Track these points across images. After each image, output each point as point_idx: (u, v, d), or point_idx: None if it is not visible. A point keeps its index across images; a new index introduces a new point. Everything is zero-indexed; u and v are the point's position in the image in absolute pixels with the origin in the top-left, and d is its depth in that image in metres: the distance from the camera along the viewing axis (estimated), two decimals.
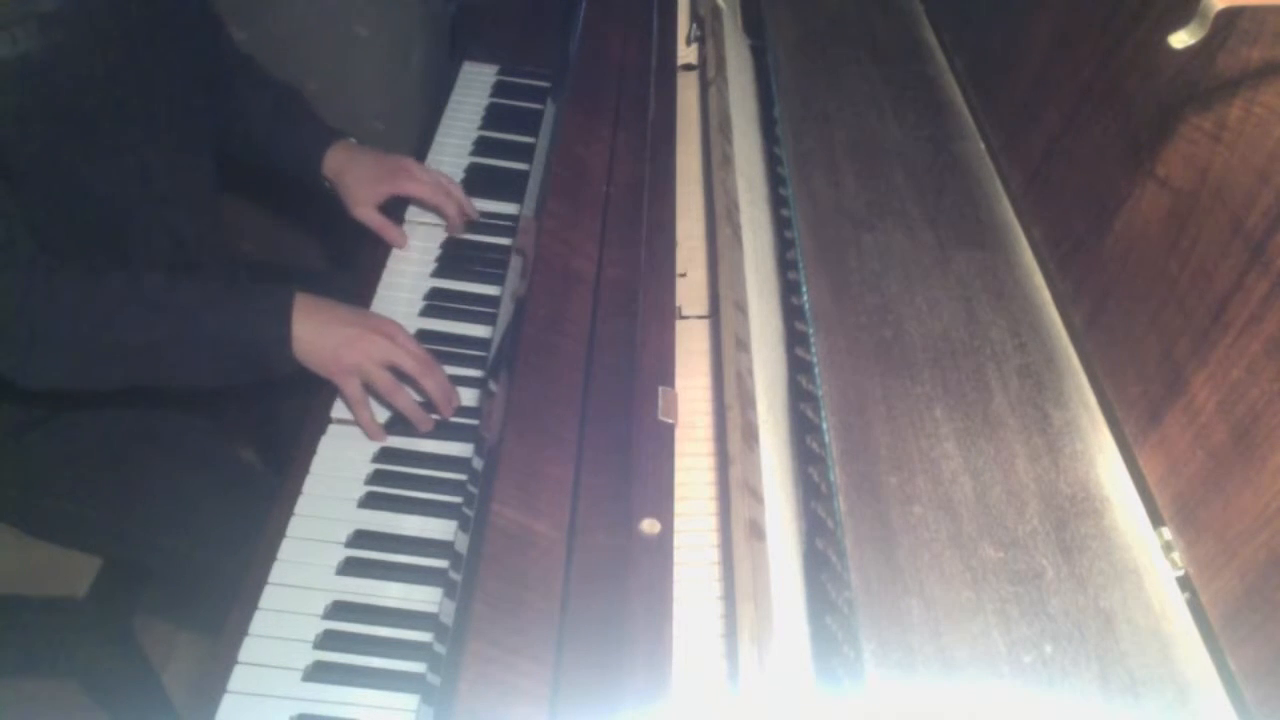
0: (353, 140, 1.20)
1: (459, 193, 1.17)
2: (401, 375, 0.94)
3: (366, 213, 1.15)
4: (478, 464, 0.81)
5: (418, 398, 0.96)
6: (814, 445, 0.68)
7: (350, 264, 1.62)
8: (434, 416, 0.96)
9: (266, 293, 0.94)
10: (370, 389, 0.94)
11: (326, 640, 0.80)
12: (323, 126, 1.21)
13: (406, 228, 1.17)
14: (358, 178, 1.16)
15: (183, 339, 0.91)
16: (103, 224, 1.00)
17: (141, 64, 0.99)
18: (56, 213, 0.95)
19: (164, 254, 1.07)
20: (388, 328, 0.95)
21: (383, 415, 0.97)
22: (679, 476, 0.71)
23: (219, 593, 0.98)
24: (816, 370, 0.70)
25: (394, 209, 1.18)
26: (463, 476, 0.91)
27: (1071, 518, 0.61)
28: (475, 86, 1.38)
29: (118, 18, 0.95)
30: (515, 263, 0.96)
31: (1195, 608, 0.58)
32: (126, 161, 0.99)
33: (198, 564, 1.09)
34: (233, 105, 1.18)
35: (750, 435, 0.66)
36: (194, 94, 1.08)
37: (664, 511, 0.67)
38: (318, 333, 0.92)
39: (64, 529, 1.09)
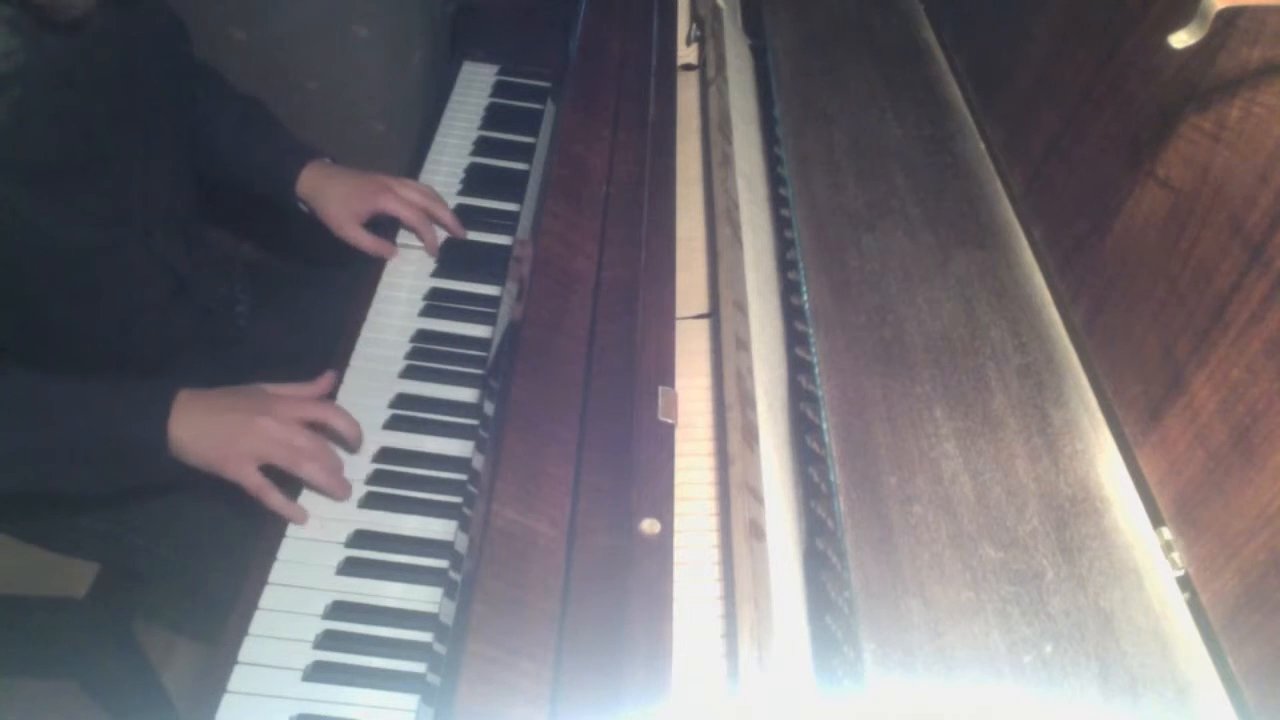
0: (327, 159, 1.17)
1: (442, 212, 1.15)
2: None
3: (353, 232, 1.12)
4: (478, 464, 0.81)
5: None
6: (814, 445, 0.68)
7: (351, 265, 1.62)
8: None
9: (145, 392, 0.88)
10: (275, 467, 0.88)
11: (326, 640, 0.80)
12: (296, 144, 1.17)
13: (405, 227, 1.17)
14: (336, 197, 1.13)
15: (51, 442, 0.85)
16: (89, 268, 0.97)
17: (117, 101, 0.95)
18: (34, 267, 0.92)
19: (156, 283, 1.05)
20: (274, 407, 0.88)
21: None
22: (679, 476, 0.71)
23: (218, 595, 0.98)
24: (816, 370, 0.70)
25: (390, 220, 1.17)
26: (463, 476, 0.91)
27: (1071, 518, 0.61)
28: (475, 86, 1.38)
29: (87, 59, 0.91)
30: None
31: (1195, 608, 0.58)
32: (106, 204, 0.96)
33: (194, 568, 1.09)
34: (197, 117, 1.14)
35: (750, 435, 0.66)
36: (169, 116, 1.05)
37: (664, 511, 0.67)
38: (198, 431, 0.86)
39: (59, 537, 1.09)
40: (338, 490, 0.89)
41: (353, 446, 0.92)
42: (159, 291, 1.05)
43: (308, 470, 0.88)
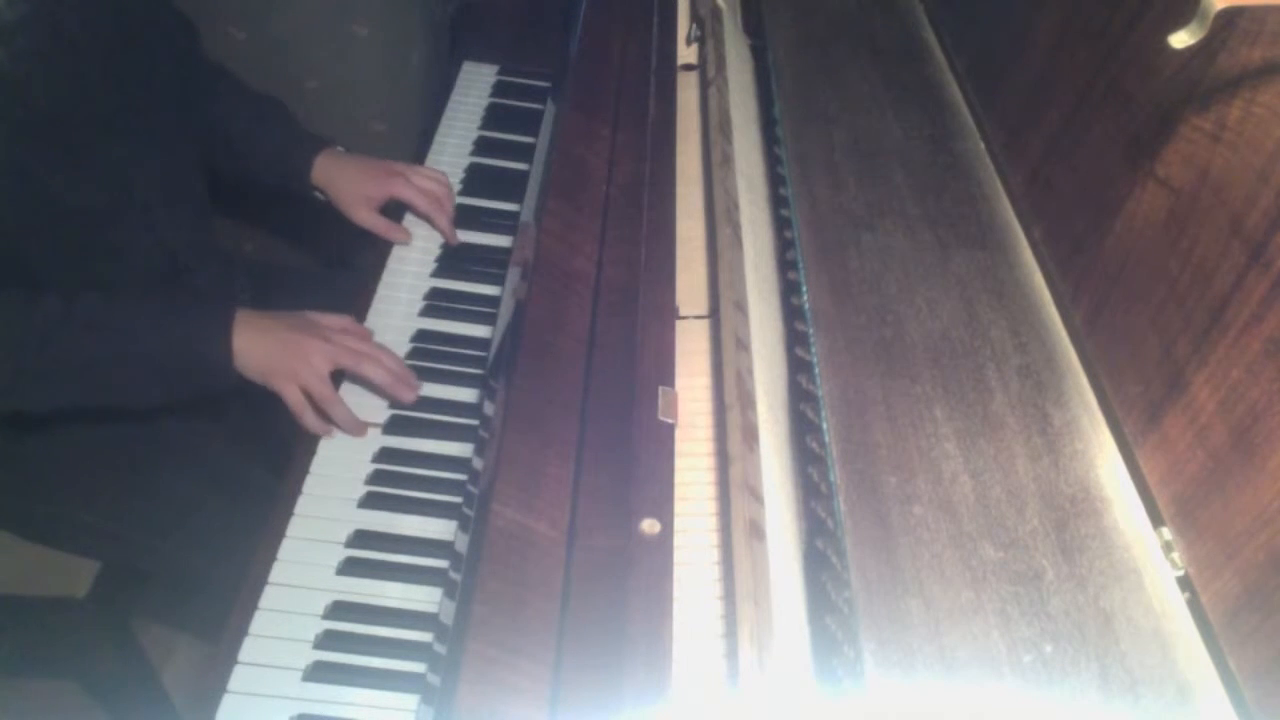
0: (340, 149, 1.19)
1: (450, 206, 1.16)
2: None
3: (366, 215, 1.14)
4: (478, 464, 0.81)
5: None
6: (814, 445, 0.68)
7: (350, 264, 1.62)
8: (396, 406, 0.98)
9: (206, 308, 0.95)
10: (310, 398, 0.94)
11: (326, 640, 0.80)
12: (308, 134, 1.20)
13: (406, 226, 1.17)
14: (350, 181, 1.15)
15: (122, 356, 0.90)
16: (87, 236, 0.98)
17: (117, 73, 0.97)
18: (31, 227, 0.93)
19: (154, 262, 1.06)
20: (323, 331, 0.95)
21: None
22: (679, 476, 0.71)
23: (218, 594, 0.98)
24: (816, 370, 0.70)
25: (394, 210, 1.18)
26: (463, 476, 0.91)
27: (1071, 518, 0.61)
28: (475, 86, 1.38)
29: (87, 27, 0.93)
30: (514, 272, 0.96)
31: (1195, 608, 0.58)
32: (106, 172, 0.97)
33: (196, 567, 1.09)
34: (212, 114, 1.17)
35: (750, 435, 0.66)
36: (173, 101, 1.07)
37: (664, 511, 0.67)
38: (254, 342, 0.93)
39: (61, 534, 1.09)
40: (403, 392, 0.96)
41: (397, 392, 0.97)
42: (153, 270, 1.06)
43: (369, 370, 0.95)
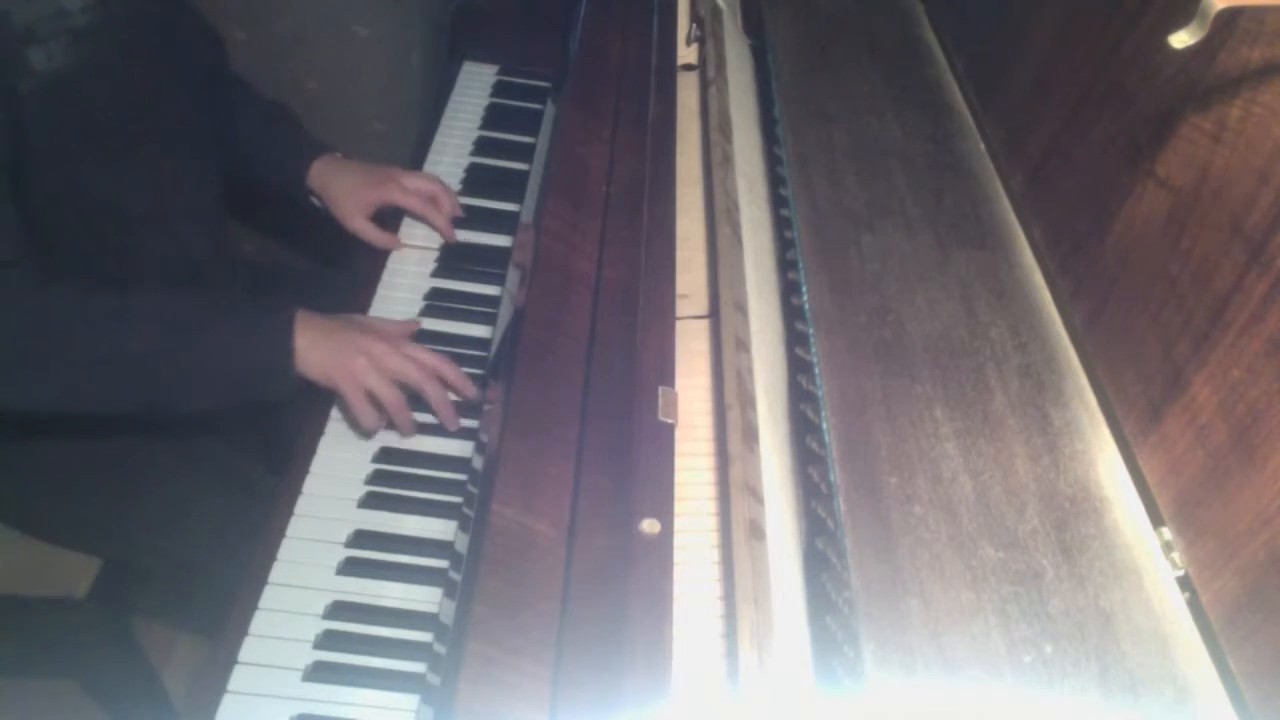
0: (339, 155, 1.20)
1: (447, 200, 1.17)
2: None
3: (360, 224, 1.15)
4: (478, 464, 0.81)
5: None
6: (814, 445, 0.68)
7: (350, 265, 1.62)
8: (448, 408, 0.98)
9: (268, 309, 0.94)
10: (375, 403, 0.93)
11: (326, 640, 0.80)
12: (309, 140, 1.21)
13: (405, 228, 1.17)
14: (345, 188, 1.15)
15: (181, 354, 0.89)
16: (112, 234, 0.99)
17: (157, 76, 0.99)
18: (67, 224, 0.95)
19: (172, 263, 1.07)
20: (388, 337, 0.95)
21: None
22: (679, 476, 0.71)
23: (218, 594, 0.98)
24: (816, 370, 0.70)
25: (392, 213, 1.18)
26: (463, 476, 0.91)
27: (1071, 518, 0.61)
28: (475, 86, 1.38)
29: (138, 31, 0.96)
30: (514, 272, 0.96)
31: (1195, 608, 0.58)
32: (140, 173, 0.99)
33: (196, 565, 1.09)
34: (225, 116, 1.18)
35: (750, 435, 0.66)
36: (201, 105, 1.09)
37: (664, 511, 0.67)
38: (317, 342, 0.91)
39: (63, 530, 1.09)
40: (450, 422, 0.96)
41: (445, 422, 0.97)
42: (173, 277, 1.07)
43: (430, 391, 0.94)
